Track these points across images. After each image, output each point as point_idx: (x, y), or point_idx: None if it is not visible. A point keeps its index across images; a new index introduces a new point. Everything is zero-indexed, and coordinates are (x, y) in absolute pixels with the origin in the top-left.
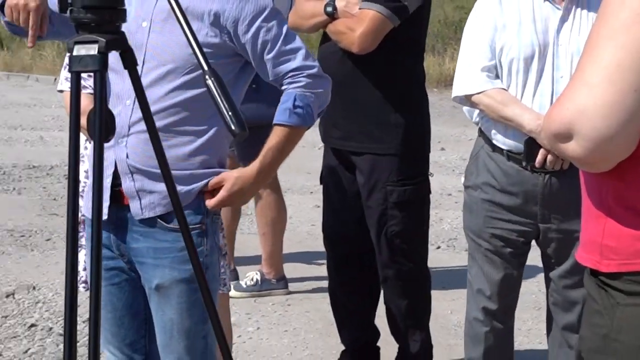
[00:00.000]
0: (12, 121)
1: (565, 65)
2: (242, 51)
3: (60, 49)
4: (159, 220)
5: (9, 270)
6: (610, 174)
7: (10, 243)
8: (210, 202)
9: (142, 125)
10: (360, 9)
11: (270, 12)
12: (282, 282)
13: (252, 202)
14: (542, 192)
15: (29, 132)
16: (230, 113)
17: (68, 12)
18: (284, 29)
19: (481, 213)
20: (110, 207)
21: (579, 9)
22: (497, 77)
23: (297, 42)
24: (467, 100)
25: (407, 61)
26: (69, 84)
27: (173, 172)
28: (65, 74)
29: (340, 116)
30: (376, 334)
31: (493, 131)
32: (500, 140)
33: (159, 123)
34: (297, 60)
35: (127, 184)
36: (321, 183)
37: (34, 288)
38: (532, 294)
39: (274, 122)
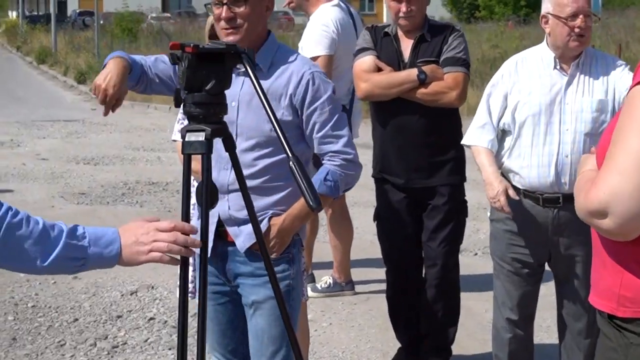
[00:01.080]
0: (136, 143)
1: (570, 121)
2: (301, 124)
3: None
4: (255, 251)
5: (133, 272)
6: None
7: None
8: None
9: (237, 184)
10: (447, 73)
11: (327, 99)
12: (350, 285)
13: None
14: (552, 223)
15: (149, 152)
16: (308, 191)
17: (181, 106)
18: (336, 116)
19: (504, 241)
20: (216, 244)
21: (582, 75)
22: (490, 132)
23: (343, 130)
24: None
25: None
26: (179, 135)
27: (264, 213)
28: (178, 127)
29: (422, 160)
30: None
31: (511, 174)
32: (517, 181)
33: (252, 182)
34: (339, 145)
35: (230, 228)
36: (375, 220)
37: (152, 287)
38: (552, 295)
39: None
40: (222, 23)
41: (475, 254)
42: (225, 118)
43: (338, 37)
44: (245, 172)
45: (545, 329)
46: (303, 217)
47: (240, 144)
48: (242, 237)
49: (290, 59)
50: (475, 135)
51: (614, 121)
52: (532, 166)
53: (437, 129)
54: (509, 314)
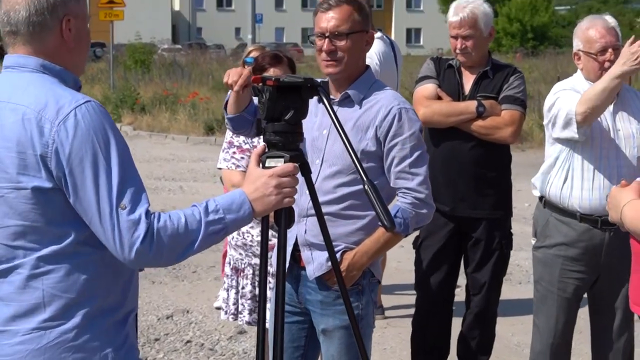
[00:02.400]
0: (157, 173)
1: (624, 146)
2: (383, 156)
3: (191, 114)
4: (324, 280)
5: (166, 297)
6: None
7: (165, 274)
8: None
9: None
10: (504, 109)
11: (410, 136)
12: (380, 309)
13: None
14: (607, 245)
15: (171, 182)
16: (383, 213)
17: (262, 135)
18: (416, 154)
19: (556, 267)
20: (291, 265)
21: (622, 105)
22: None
23: (421, 169)
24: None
25: None
26: (226, 163)
27: (336, 244)
28: (223, 155)
29: (469, 190)
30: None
31: (567, 199)
32: (576, 204)
33: (330, 208)
34: (413, 183)
35: (304, 252)
36: (415, 246)
37: (187, 311)
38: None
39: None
40: (323, 55)
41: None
42: (315, 145)
43: (380, 68)
44: (325, 197)
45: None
46: (373, 254)
47: (324, 170)
48: (314, 264)
49: (382, 94)
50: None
51: None
52: (592, 189)
53: (487, 162)
54: (552, 339)
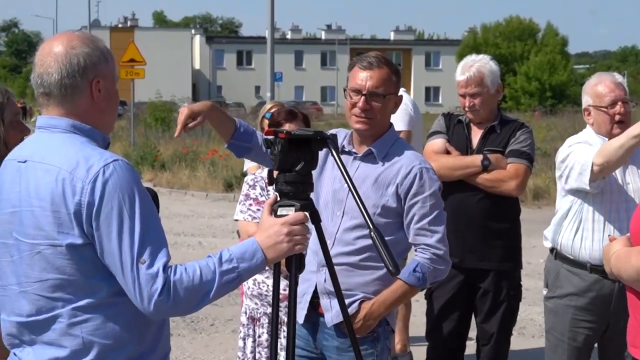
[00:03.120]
0: (176, 229)
1: (633, 199)
2: (402, 213)
3: (210, 171)
4: (342, 328)
5: (184, 349)
6: None
7: (183, 327)
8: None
9: (335, 259)
10: (510, 163)
11: (431, 195)
12: (408, 355)
13: None
14: (616, 295)
15: (190, 238)
16: (388, 258)
17: (274, 185)
18: (435, 212)
19: (567, 316)
20: (309, 312)
21: (632, 159)
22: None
23: (439, 227)
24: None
25: None
26: (242, 215)
27: (354, 294)
28: (240, 207)
29: (477, 241)
30: None
31: (577, 250)
32: (587, 255)
33: (349, 259)
34: (432, 240)
35: (323, 300)
36: (426, 297)
37: None
38: None
39: (398, 275)
40: (356, 110)
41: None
42: (336, 197)
43: (415, 115)
44: (345, 248)
45: None
46: (390, 305)
47: (345, 223)
48: (332, 312)
49: (404, 152)
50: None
51: None
52: (602, 240)
53: (495, 214)
54: None
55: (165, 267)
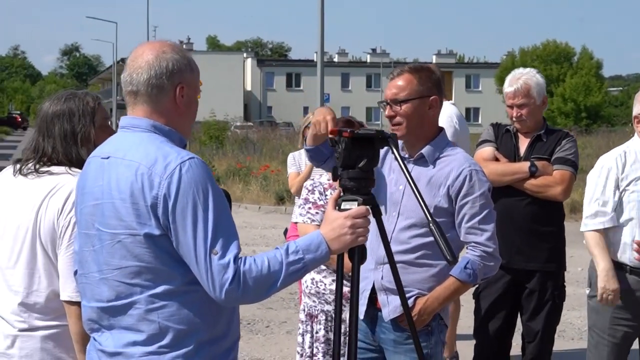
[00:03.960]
0: None
1: None
2: (453, 212)
3: (263, 185)
4: (399, 322)
5: (241, 349)
6: None
7: (240, 328)
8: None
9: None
10: (555, 169)
11: (480, 195)
12: (454, 359)
13: None
14: None
15: (244, 247)
16: (446, 248)
17: (338, 180)
18: (485, 212)
19: (607, 315)
20: (368, 307)
21: None
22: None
23: (489, 226)
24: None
25: None
26: (302, 217)
27: (410, 290)
28: (299, 210)
29: (524, 244)
30: None
31: (618, 252)
32: (626, 258)
33: (404, 257)
34: (482, 238)
35: (381, 296)
36: (474, 297)
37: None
38: None
39: (450, 272)
40: (388, 119)
41: None
42: (392, 199)
43: (460, 127)
44: (400, 247)
45: None
46: (443, 300)
47: (400, 223)
48: (389, 307)
49: (455, 155)
50: (592, 221)
51: None
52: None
53: (541, 218)
54: None
55: (236, 258)
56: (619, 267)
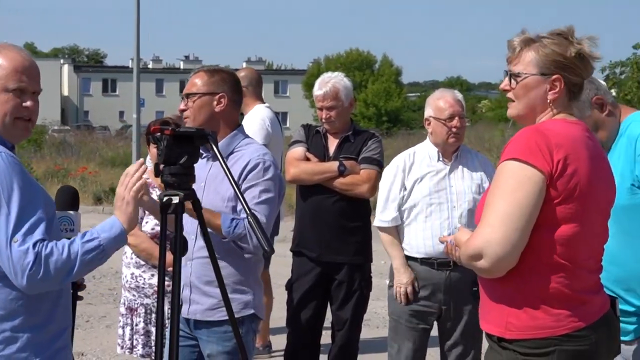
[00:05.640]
0: None
1: (456, 200)
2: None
3: (81, 185)
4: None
5: None
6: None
7: None
8: None
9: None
10: (362, 168)
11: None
12: (267, 348)
13: None
14: (444, 284)
15: None
16: (263, 239)
17: (160, 176)
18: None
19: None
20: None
21: (460, 165)
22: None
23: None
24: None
25: None
26: None
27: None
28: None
29: (333, 238)
30: None
31: (408, 246)
32: (415, 251)
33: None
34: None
35: (185, 292)
36: (287, 288)
37: (82, 354)
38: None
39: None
40: None
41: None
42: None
43: (272, 130)
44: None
45: None
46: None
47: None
48: (194, 307)
49: (247, 147)
50: (382, 217)
51: (487, 191)
52: (427, 237)
53: (349, 215)
54: None
55: (36, 243)
56: (412, 260)
